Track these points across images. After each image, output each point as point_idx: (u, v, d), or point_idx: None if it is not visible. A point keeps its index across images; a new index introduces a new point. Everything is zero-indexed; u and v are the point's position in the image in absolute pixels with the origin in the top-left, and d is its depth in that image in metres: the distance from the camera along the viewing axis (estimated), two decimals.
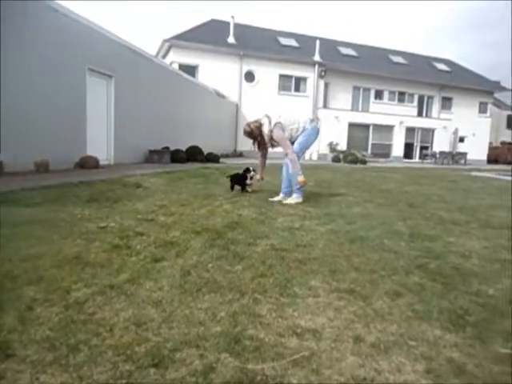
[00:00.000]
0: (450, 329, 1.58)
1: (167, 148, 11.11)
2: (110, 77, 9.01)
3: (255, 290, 1.90)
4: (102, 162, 8.21)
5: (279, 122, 4.69)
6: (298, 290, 1.92)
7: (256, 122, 4.88)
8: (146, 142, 10.77)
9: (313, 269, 2.24)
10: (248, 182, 5.28)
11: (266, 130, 4.69)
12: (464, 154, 23.58)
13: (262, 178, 5.25)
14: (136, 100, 10.20)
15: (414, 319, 1.66)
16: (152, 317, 1.57)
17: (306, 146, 4.84)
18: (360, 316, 1.67)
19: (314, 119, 4.99)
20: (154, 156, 10.66)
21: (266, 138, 4.72)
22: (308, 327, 1.55)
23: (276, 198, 4.75)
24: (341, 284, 2.02)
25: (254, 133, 4.81)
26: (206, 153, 12.42)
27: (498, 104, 32.15)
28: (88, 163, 7.57)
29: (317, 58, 21.70)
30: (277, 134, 4.67)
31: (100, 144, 8.81)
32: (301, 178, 4.62)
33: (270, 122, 4.70)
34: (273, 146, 4.88)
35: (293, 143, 4.75)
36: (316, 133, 4.89)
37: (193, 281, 1.98)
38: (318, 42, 21.70)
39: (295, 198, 4.63)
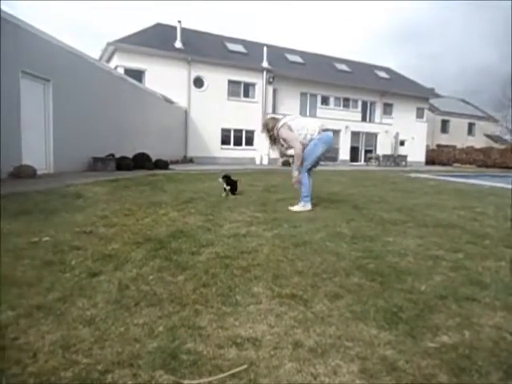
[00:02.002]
0: (384, 327, 1.64)
1: (112, 155, 10.67)
2: (48, 80, 8.50)
3: (196, 300, 1.85)
4: (39, 171, 7.70)
5: (288, 125, 4.67)
6: (240, 298, 1.90)
7: (274, 119, 4.95)
8: (89, 149, 10.26)
9: (256, 275, 2.23)
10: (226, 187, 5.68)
11: (276, 126, 4.71)
12: (405, 157, 25.04)
13: (297, 181, 4.84)
14: (78, 105, 9.70)
15: (352, 320, 1.71)
16: (83, 337, 1.48)
17: (311, 157, 4.69)
18: (300, 321, 1.69)
19: (327, 129, 4.82)
20: (98, 164, 10.19)
21: (275, 133, 4.74)
22: (248, 336, 1.53)
23: (296, 207, 4.65)
24: (283, 289, 2.03)
25: (268, 126, 4.82)
26: (154, 159, 12.10)
27: (433, 109, 34.62)
28: (23, 172, 7.06)
29: (265, 64, 22.04)
30: (285, 133, 4.65)
31: (37, 152, 8.25)
32: (295, 174, 4.72)
33: (285, 124, 4.66)
34: (282, 146, 4.83)
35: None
36: (324, 142, 4.70)
37: (131, 295, 1.89)
38: (265, 49, 22.06)
39: (301, 207, 4.61)
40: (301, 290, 2.02)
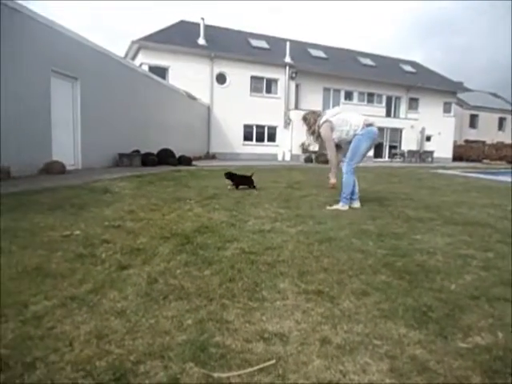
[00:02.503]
0: (413, 326, 1.62)
1: (137, 151, 10.88)
2: (76, 79, 8.73)
3: (223, 295, 1.88)
4: (68, 167, 7.94)
5: (329, 121, 4.50)
6: (266, 294, 1.91)
7: (315, 113, 4.85)
8: (115, 145, 10.51)
9: (282, 271, 2.24)
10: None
11: (318, 122, 4.59)
12: (431, 153, 24.40)
13: (333, 186, 4.71)
14: (104, 102, 9.94)
15: (380, 318, 1.69)
16: (115, 328, 1.52)
17: (357, 153, 4.51)
18: (327, 317, 1.68)
19: (372, 123, 4.58)
20: (123, 159, 10.42)
21: (316, 129, 4.63)
22: (275, 331, 1.54)
23: (335, 206, 4.53)
24: (309, 285, 2.03)
25: (309, 120, 4.72)
26: (178, 155, 12.26)
27: (461, 104, 33.52)
28: (53, 169, 7.30)
29: (287, 59, 21.88)
30: (323, 133, 4.51)
31: (66, 148, 8.51)
32: (332, 180, 4.62)
33: (326, 120, 4.52)
34: (316, 140, 4.79)
35: (337, 146, 4.62)
36: (369, 138, 4.51)
37: (159, 288, 1.93)
38: (288, 44, 21.89)
39: (340, 206, 4.49)
40: (327, 287, 2.01)
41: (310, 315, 1.70)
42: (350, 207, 4.53)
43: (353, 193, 4.63)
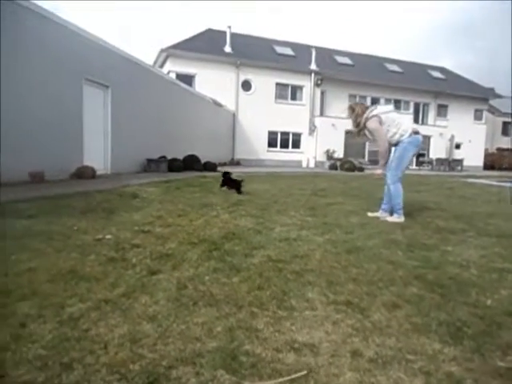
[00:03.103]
0: (448, 342, 1.57)
1: (164, 157, 11.10)
2: (107, 87, 9.03)
3: (252, 303, 1.88)
4: (98, 172, 8.19)
5: (378, 116, 4.30)
6: (295, 303, 1.90)
7: (363, 104, 4.61)
8: (143, 150, 10.76)
9: (310, 280, 2.22)
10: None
11: (366, 114, 4.35)
12: (460, 161, 23.68)
13: (378, 175, 4.57)
14: (133, 109, 10.22)
15: (413, 332, 1.65)
16: (147, 333, 1.55)
17: (403, 163, 4.37)
18: (358, 329, 1.66)
19: (418, 131, 4.40)
20: (151, 165, 10.65)
21: (362, 121, 4.39)
22: (305, 342, 1.53)
23: (373, 214, 4.50)
24: (338, 296, 2.01)
25: (357, 112, 4.43)
26: (203, 161, 12.42)
27: (493, 111, 32.43)
28: (84, 173, 7.54)
29: (313, 66, 21.87)
30: (373, 125, 4.29)
31: (97, 154, 8.79)
32: (378, 171, 4.46)
33: (377, 115, 4.31)
34: (359, 134, 4.56)
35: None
36: (415, 146, 4.37)
37: (189, 294, 1.96)
38: (313, 51, 21.89)
39: (396, 218, 4.29)
40: (356, 298, 1.98)
41: (340, 326, 1.68)
42: (383, 219, 4.38)
43: (388, 202, 4.49)
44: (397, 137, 4.31)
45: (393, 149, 4.50)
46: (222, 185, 6.28)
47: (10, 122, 6.11)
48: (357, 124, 4.48)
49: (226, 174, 6.33)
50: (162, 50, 18.90)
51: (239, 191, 6.05)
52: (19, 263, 2.27)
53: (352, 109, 4.52)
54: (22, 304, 1.75)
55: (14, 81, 6.24)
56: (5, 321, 1.59)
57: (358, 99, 24.15)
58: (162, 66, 20.20)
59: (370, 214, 4.56)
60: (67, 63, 7.50)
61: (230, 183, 6.24)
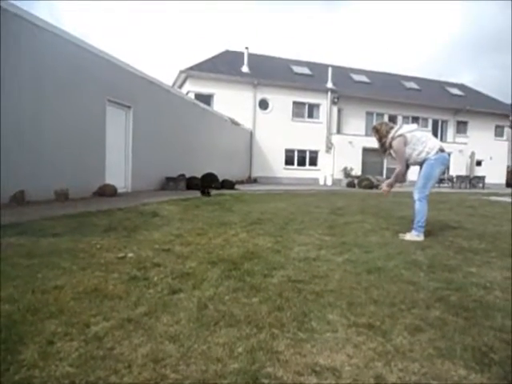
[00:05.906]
0: (475, 368, 1.53)
1: (183, 175, 11.28)
2: (129, 107, 9.32)
3: (272, 324, 1.88)
4: (119, 190, 8.39)
5: (404, 136, 4.30)
6: (315, 325, 1.89)
7: (388, 124, 4.62)
8: (162, 169, 10.99)
9: (330, 302, 2.21)
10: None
11: (391, 134, 4.35)
12: (482, 178, 23.19)
13: (387, 192, 4.65)
14: (153, 129, 10.49)
15: (437, 357, 1.62)
16: (170, 353, 1.57)
17: (430, 181, 4.35)
18: (380, 353, 1.63)
19: (444, 149, 4.36)
20: (170, 183, 10.84)
21: (388, 142, 4.40)
22: (327, 365, 1.52)
23: (408, 237, 4.27)
24: (359, 318, 1.99)
25: (381, 133, 4.44)
26: (221, 179, 12.55)
27: None
28: (106, 191, 7.74)
29: (329, 85, 22.06)
30: (397, 146, 4.31)
31: (118, 172, 9.03)
32: (384, 187, 4.57)
33: (402, 135, 4.31)
34: (384, 153, 4.63)
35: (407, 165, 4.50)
36: (442, 164, 4.37)
37: (210, 314, 1.97)
38: (330, 70, 22.12)
39: (415, 236, 4.22)
40: (378, 321, 1.96)
41: (362, 350, 1.66)
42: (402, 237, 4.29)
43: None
44: (423, 155, 4.27)
45: (417, 167, 4.49)
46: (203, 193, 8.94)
47: (36, 140, 6.36)
48: (381, 144, 4.48)
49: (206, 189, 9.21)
50: (182, 72, 19.45)
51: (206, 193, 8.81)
52: (46, 281, 2.34)
53: (376, 129, 4.52)
54: (49, 322, 1.80)
55: (40, 102, 6.52)
56: (32, 338, 1.64)
57: (375, 117, 24.14)
58: (181, 86, 20.74)
59: (401, 236, 4.35)
60: (91, 85, 7.81)
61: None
